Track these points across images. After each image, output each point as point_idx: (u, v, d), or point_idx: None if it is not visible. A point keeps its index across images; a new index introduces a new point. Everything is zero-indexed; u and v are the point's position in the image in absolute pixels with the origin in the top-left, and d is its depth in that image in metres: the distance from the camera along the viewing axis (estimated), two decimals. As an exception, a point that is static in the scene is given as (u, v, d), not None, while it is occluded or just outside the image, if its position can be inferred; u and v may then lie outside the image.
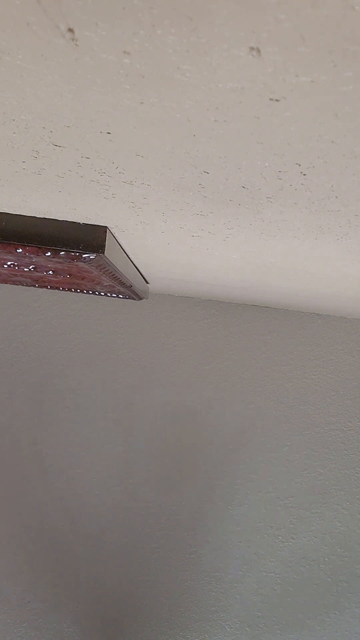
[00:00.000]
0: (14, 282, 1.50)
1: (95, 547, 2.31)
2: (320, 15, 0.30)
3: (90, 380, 2.31)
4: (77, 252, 0.95)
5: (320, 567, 2.34)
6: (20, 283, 1.50)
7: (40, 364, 2.31)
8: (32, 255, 0.98)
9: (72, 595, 2.31)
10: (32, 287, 1.84)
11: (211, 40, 0.34)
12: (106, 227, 0.96)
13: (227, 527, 2.32)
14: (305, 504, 2.33)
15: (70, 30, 0.35)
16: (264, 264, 1.19)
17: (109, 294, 1.60)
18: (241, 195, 0.66)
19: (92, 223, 0.95)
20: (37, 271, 1.19)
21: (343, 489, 2.34)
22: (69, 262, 1.00)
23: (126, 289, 1.42)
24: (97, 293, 1.57)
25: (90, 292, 1.54)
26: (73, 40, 0.36)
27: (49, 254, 0.96)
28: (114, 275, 1.16)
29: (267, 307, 2.34)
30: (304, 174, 0.56)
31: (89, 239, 0.95)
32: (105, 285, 1.35)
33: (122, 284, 1.32)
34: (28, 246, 0.95)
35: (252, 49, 0.34)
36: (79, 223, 0.95)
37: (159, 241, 1.07)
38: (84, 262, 0.98)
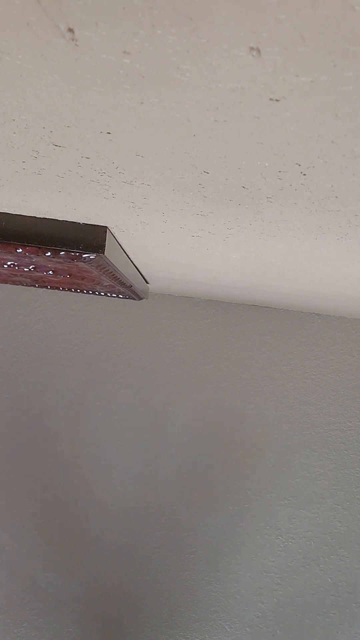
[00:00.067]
0: (14, 282, 1.50)
1: (95, 547, 2.31)
2: (320, 15, 0.30)
3: (90, 380, 2.31)
4: (77, 252, 0.95)
5: (320, 567, 2.34)
6: (20, 283, 1.50)
7: (40, 364, 2.31)
8: (32, 255, 0.98)
9: (72, 595, 2.31)
10: (32, 287, 1.84)
11: (211, 40, 0.34)
12: (106, 227, 0.96)
13: (227, 527, 2.32)
14: (305, 504, 2.33)
15: (70, 30, 0.35)
16: (264, 264, 1.19)
17: (109, 294, 1.60)
18: (241, 195, 0.66)
19: (92, 223, 0.95)
20: (37, 271, 1.19)
21: (343, 489, 2.34)
22: (69, 262, 1.00)
23: (126, 289, 1.42)
24: (97, 293, 1.57)
25: (90, 292, 1.54)
26: (73, 40, 0.36)
27: (49, 254, 0.96)
28: (114, 275, 1.16)
29: (267, 307, 2.34)
30: (304, 174, 0.56)
31: (89, 239, 0.95)
32: (105, 285, 1.35)
33: (122, 284, 1.32)
34: (28, 246, 0.95)
35: (252, 49, 0.34)
36: (79, 223, 0.95)
37: (159, 241, 1.07)
38: (84, 262, 0.98)
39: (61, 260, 0.99)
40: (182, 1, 0.30)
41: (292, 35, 0.32)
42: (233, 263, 1.22)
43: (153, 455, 2.32)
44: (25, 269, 1.18)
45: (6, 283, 1.53)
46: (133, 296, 1.62)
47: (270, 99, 0.40)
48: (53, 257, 0.97)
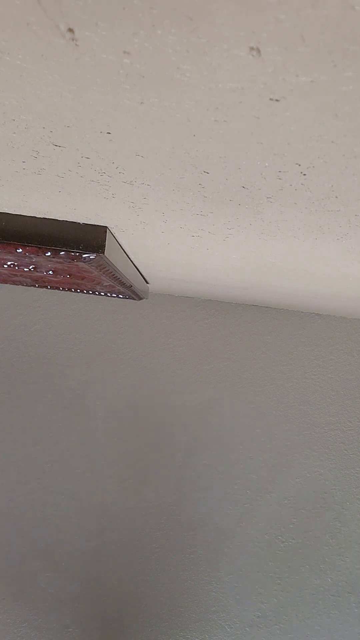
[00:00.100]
0: (14, 282, 1.50)
1: (95, 547, 2.31)
2: (320, 15, 0.30)
3: (90, 380, 2.31)
4: (77, 252, 0.95)
5: (320, 567, 2.34)
6: (20, 283, 1.50)
7: (40, 364, 2.31)
8: (32, 255, 0.98)
9: (72, 595, 2.31)
10: (32, 287, 1.84)
11: (211, 40, 0.34)
12: (106, 227, 0.96)
13: (227, 527, 2.32)
14: (305, 504, 2.33)
15: (70, 30, 0.35)
16: (264, 264, 1.19)
17: (109, 294, 1.60)
18: (241, 195, 0.66)
19: (92, 223, 0.95)
20: (37, 271, 1.19)
21: (343, 489, 2.34)
22: (69, 262, 1.00)
23: (126, 289, 1.42)
24: (97, 293, 1.57)
25: (90, 292, 1.54)
26: (73, 40, 0.36)
27: (49, 254, 0.96)
28: (114, 275, 1.16)
29: (267, 307, 2.34)
30: (304, 174, 0.56)
31: (89, 239, 0.95)
32: (105, 285, 1.35)
33: (122, 284, 1.32)
34: (28, 246, 0.95)
35: (252, 49, 0.34)
36: (79, 223, 0.95)
37: (159, 241, 1.07)
38: (84, 262, 0.98)
39: (61, 260, 0.99)
40: (182, 1, 0.30)
41: (292, 35, 0.32)
42: (233, 263, 1.22)
43: (153, 455, 2.32)
44: (25, 269, 1.18)
45: (6, 283, 1.53)
46: (133, 296, 1.62)
47: (270, 99, 0.40)
48: (53, 257, 0.97)
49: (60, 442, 2.31)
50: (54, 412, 2.31)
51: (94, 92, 0.43)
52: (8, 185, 0.77)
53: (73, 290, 1.53)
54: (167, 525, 2.32)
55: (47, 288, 1.57)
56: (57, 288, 1.55)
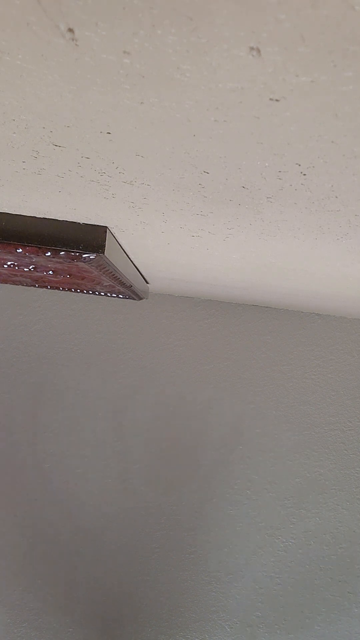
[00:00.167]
0: (14, 282, 1.50)
1: (95, 547, 2.31)
2: (320, 15, 0.30)
3: (90, 380, 2.31)
4: (77, 252, 0.95)
5: (320, 567, 2.34)
6: (20, 283, 1.50)
7: (40, 364, 2.31)
8: (32, 255, 0.98)
9: (72, 595, 2.31)
10: (32, 287, 1.84)
11: (211, 40, 0.34)
12: (106, 227, 0.96)
13: (227, 527, 2.32)
14: (305, 504, 2.33)
15: (70, 30, 0.35)
16: (264, 264, 1.19)
17: (109, 294, 1.60)
18: (241, 195, 0.66)
19: (92, 223, 0.95)
20: (37, 271, 1.19)
21: (343, 489, 2.34)
22: (69, 262, 1.00)
23: (126, 289, 1.42)
24: (97, 293, 1.57)
25: (90, 292, 1.54)
26: (73, 40, 0.36)
27: (49, 254, 0.96)
28: (114, 275, 1.16)
29: (267, 307, 2.34)
30: (304, 174, 0.56)
31: (89, 239, 0.95)
32: (105, 285, 1.35)
33: (122, 284, 1.32)
34: (28, 246, 0.95)
35: (252, 49, 0.34)
36: (79, 223, 0.95)
37: (159, 241, 1.07)
38: (84, 262, 0.98)
39: (61, 260, 0.99)
40: (182, 1, 0.30)
41: (292, 35, 0.32)
42: (233, 263, 1.22)
43: (153, 455, 2.32)
44: (25, 269, 1.18)
45: (6, 283, 1.53)
46: (133, 296, 1.62)
47: (270, 99, 0.40)
48: (53, 257, 0.97)
49: (59, 442, 2.31)
50: (54, 412, 2.31)
51: (94, 92, 0.43)
52: (8, 185, 0.77)
53: (73, 290, 1.53)
54: (167, 525, 2.32)
55: (47, 288, 1.57)
56: (57, 288, 1.55)
